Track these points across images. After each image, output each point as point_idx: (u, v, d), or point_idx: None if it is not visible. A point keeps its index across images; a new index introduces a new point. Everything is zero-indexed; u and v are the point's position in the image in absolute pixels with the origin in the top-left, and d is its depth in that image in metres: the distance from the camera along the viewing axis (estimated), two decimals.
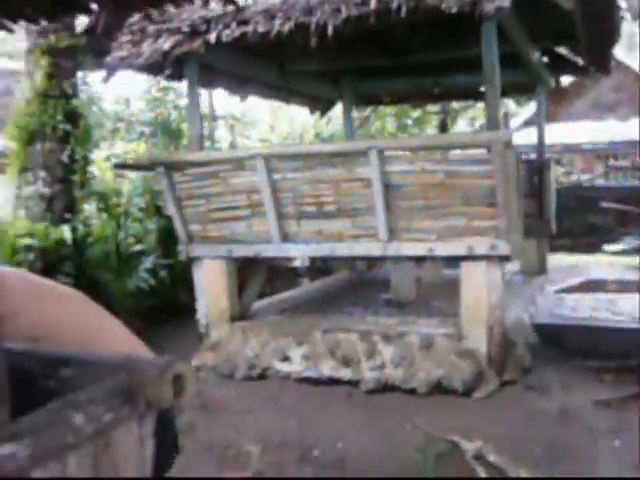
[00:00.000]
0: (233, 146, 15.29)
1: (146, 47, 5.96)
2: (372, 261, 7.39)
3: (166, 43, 5.87)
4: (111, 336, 1.86)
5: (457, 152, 5.95)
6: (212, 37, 5.68)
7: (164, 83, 12.73)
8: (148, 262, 7.90)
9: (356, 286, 8.62)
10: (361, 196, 5.77)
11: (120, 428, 1.06)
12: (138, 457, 1.12)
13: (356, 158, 5.71)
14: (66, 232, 7.11)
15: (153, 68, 6.45)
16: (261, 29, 5.45)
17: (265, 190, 5.97)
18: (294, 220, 6.09)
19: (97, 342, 1.70)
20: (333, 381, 5.89)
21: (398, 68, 8.75)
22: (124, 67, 6.20)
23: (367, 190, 5.69)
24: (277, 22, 5.38)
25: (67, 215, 7.75)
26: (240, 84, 8.02)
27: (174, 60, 6.08)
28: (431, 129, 19.20)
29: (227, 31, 5.62)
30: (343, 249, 6.01)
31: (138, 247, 8.18)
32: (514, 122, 18.83)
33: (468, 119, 22.53)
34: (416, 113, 17.51)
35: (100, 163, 9.74)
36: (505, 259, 5.63)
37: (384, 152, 5.57)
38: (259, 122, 20.25)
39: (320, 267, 9.45)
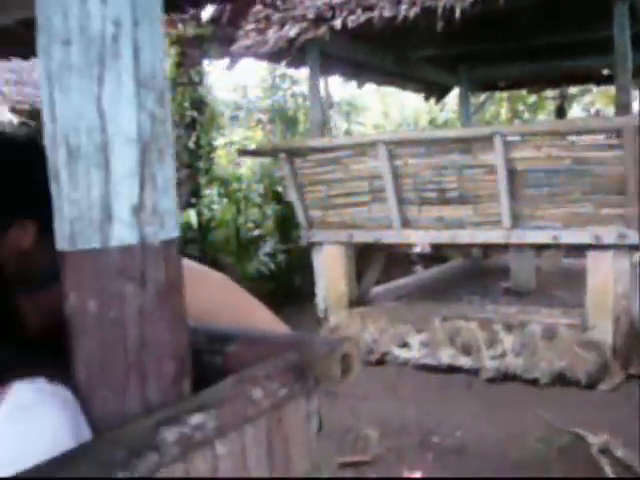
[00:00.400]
0: (349, 133, 15.29)
1: (271, 35, 6.05)
2: (489, 249, 7.26)
3: (292, 30, 5.93)
4: (259, 317, 1.91)
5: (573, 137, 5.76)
6: (337, 24, 5.70)
7: (280, 70, 12.83)
8: (268, 246, 8.05)
9: (472, 274, 8.51)
10: (484, 182, 5.69)
11: (291, 403, 1.10)
12: (306, 433, 1.16)
13: (479, 144, 5.63)
14: (192, 216, 7.34)
15: (275, 56, 6.55)
16: (387, 14, 5.43)
17: (386, 176, 5.96)
18: (415, 206, 6.06)
19: (247, 323, 1.75)
20: (452, 369, 5.87)
21: (516, 52, 8.53)
22: (249, 55, 6.32)
23: (490, 176, 5.60)
24: (403, 7, 5.36)
25: (192, 200, 8.00)
26: (357, 71, 8.04)
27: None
28: (545, 115, 18.59)
29: (352, 17, 5.63)
30: (464, 236, 5.95)
31: (257, 232, 8.35)
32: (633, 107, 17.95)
33: (584, 104, 21.65)
34: (531, 98, 17.00)
35: (220, 150, 9.99)
36: (635, 248, 5.44)
37: (508, 138, 5.49)
38: (369, 108, 20.15)
39: (434, 254, 9.37)
